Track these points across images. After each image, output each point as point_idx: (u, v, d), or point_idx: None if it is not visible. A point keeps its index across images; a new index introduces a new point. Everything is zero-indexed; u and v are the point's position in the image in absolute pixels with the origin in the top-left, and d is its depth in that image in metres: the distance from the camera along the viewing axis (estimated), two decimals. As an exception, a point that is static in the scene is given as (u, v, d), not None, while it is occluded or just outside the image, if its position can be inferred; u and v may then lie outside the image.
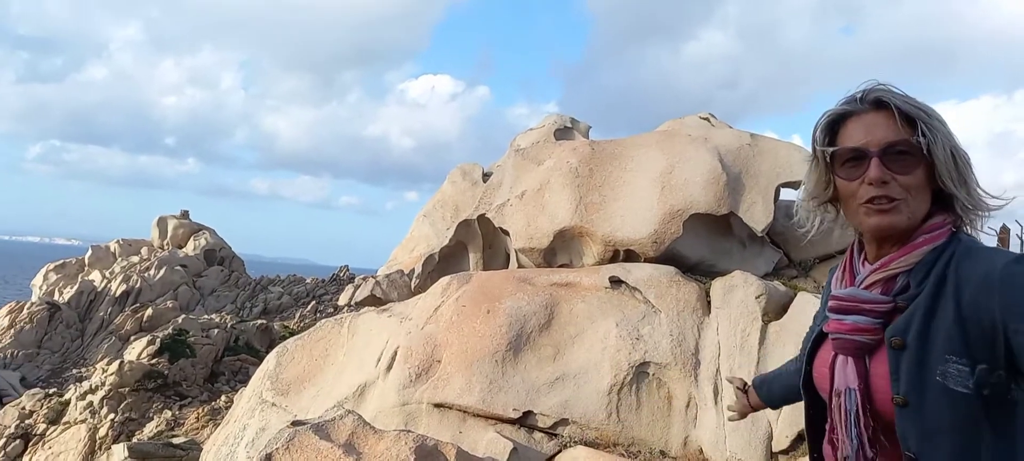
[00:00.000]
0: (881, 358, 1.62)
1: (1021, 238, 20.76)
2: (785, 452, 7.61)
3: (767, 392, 2.40)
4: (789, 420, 7.63)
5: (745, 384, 2.55)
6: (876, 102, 1.64)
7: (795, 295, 8.56)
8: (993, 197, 1.65)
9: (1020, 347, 1.43)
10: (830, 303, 1.74)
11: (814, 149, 1.73)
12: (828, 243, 10.61)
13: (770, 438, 7.63)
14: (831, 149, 1.67)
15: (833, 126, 1.69)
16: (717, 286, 8.58)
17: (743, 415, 2.60)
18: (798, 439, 7.63)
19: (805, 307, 8.23)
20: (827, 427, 1.74)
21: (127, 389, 25.82)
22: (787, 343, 8.02)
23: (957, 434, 1.50)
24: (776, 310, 8.36)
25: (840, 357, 1.69)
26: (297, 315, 43.37)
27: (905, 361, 1.56)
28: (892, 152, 1.59)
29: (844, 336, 1.67)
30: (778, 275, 9.79)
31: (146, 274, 45.17)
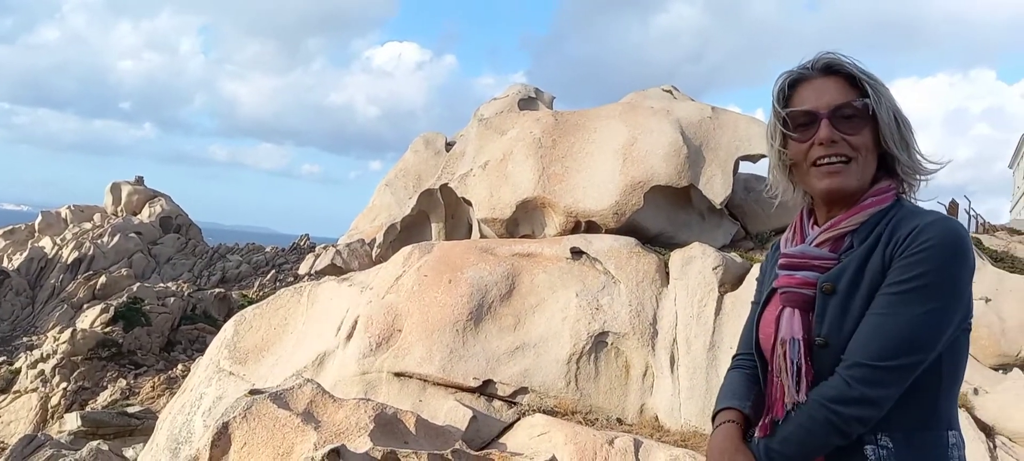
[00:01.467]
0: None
1: (969, 212, 21.45)
2: (738, 419, 7.81)
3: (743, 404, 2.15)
4: (743, 388, 7.83)
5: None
6: (826, 68, 1.72)
7: (751, 267, 8.72)
8: (931, 162, 1.73)
9: (892, 271, 1.57)
10: (780, 261, 1.81)
11: (770, 118, 1.81)
12: (784, 216, 10.82)
13: (724, 406, 7.82)
14: (784, 111, 1.74)
15: (787, 92, 1.76)
16: (676, 258, 8.71)
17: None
18: (751, 407, 7.84)
19: (761, 279, 8.40)
20: (769, 378, 1.79)
21: (80, 358, 25.31)
22: (742, 314, 8.19)
23: None
24: (732, 281, 8.52)
25: (787, 310, 1.74)
26: (256, 284, 42.84)
27: (831, 305, 1.65)
28: (840, 114, 1.67)
29: (793, 289, 1.73)
30: (735, 247, 9.96)
31: (99, 241, 44.07)
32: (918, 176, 1.74)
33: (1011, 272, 9.54)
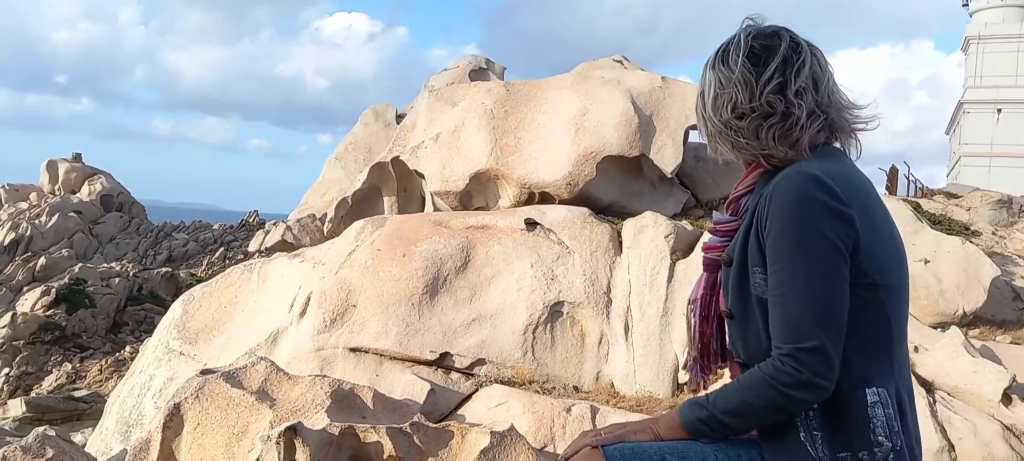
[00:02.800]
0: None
1: (908, 177, 22.17)
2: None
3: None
4: (695, 353, 8.01)
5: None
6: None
7: (701, 234, 8.88)
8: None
9: (767, 251, 1.58)
10: (710, 226, 1.91)
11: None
12: (733, 184, 11.02)
13: (676, 370, 7.99)
14: None
15: None
16: (628, 227, 8.81)
17: None
18: (703, 371, 8.03)
19: (711, 246, 8.57)
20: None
21: (22, 342, 24.49)
22: (694, 280, 8.34)
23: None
24: (684, 248, 8.67)
25: (703, 274, 1.84)
26: (205, 262, 41.94)
27: (731, 277, 1.69)
28: None
29: (705, 254, 1.84)
30: (686, 215, 10.13)
31: (37, 221, 42.48)
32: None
33: (948, 234, 9.91)
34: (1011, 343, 8.58)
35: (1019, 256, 11.02)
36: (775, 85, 1.62)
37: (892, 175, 21.54)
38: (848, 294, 1.54)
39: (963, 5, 43.61)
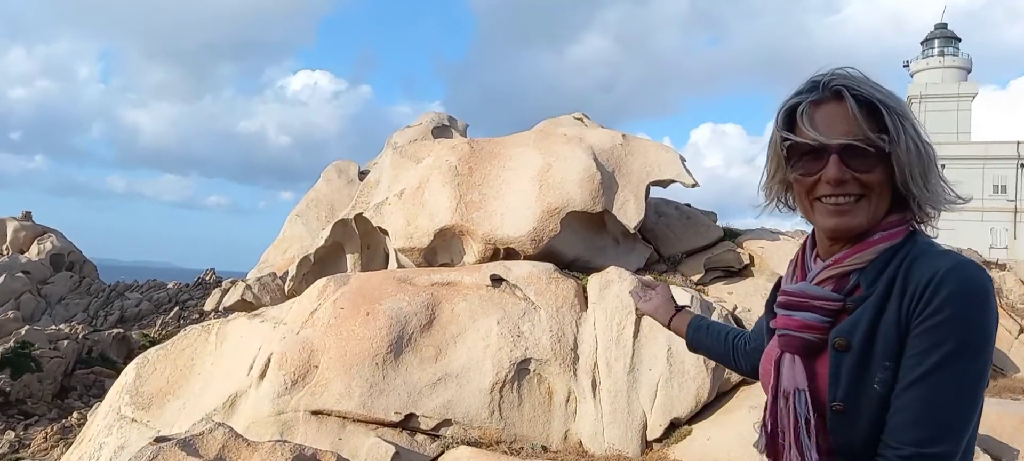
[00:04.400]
0: (825, 360, 1.53)
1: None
2: (659, 440, 7.94)
3: (694, 335, 2.29)
4: (663, 409, 7.96)
5: (678, 307, 2.39)
6: (837, 92, 1.50)
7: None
8: (954, 196, 1.56)
9: (913, 341, 1.41)
10: (779, 298, 1.65)
11: (774, 134, 1.63)
12: (694, 238, 11.17)
13: (645, 427, 7.93)
14: (788, 141, 1.55)
15: (792, 114, 1.55)
16: (593, 282, 8.82)
17: (643, 314, 2.51)
18: (671, 428, 7.98)
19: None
20: (767, 425, 1.65)
21: (-40, 410, 23.31)
22: (660, 335, 8.36)
23: None
24: (649, 304, 8.69)
25: (787, 356, 1.59)
26: (159, 323, 40.74)
27: (846, 365, 1.49)
28: (852, 150, 1.47)
29: (792, 333, 1.58)
30: (649, 270, 10.20)
31: (-18, 282, 40.95)
32: (938, 209, 1.54)
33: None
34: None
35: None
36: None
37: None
38: None
39: (904, 66, 45.67)
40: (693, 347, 2.31)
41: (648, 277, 9.17)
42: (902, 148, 1.46)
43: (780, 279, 1.75)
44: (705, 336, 2.27)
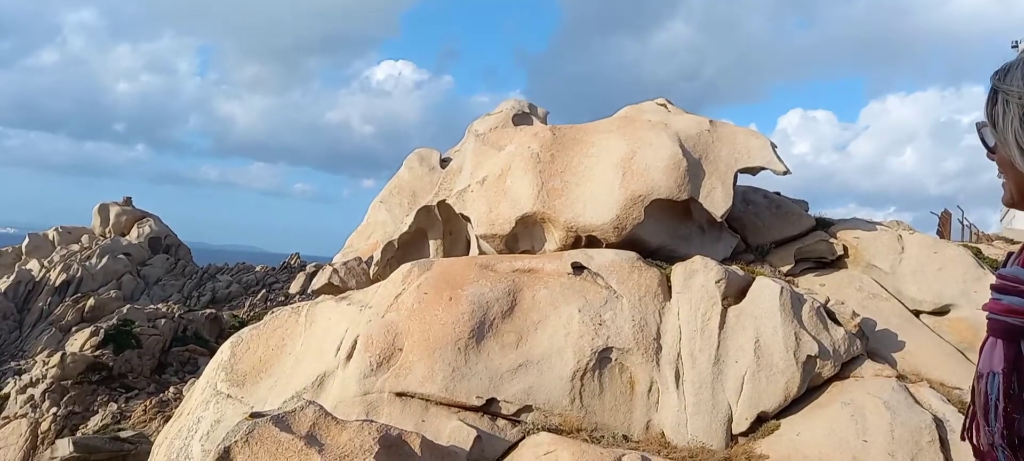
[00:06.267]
0: None
1: (962, 222, 21.54)
2: (744, 434, 7.72)
3: None
4: (749, 402, 7.74)
5: None
6: None
7: (753, 279, 8.67)
8: None
9: None
10: (993, 282, 1.60)
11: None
12: (784, 227, 10.79)
13: (730, 420, 7.73)
14: None
15: None
16: (677, 271, 8.64)
17: None
18: (758, 422, 7.75)
19: (763, 291, 8.35)
20: (968, 413, 1.61)
21: (70, 382, 24.96)
22: (747, 327, 8.12)
23: None
24: (735, 294, 8.46)
25: (991, 339, 1.55)
26: (247, 304, 42.50)
27: None
28: None
29: (996, 316, 1.53)
30: (736, 259, 9.91)
31: (87, 263, 43.63)
32: None
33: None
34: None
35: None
36: None
37: (945, 219, 20.94)
38: None
39: (1013, 47, 42.83)
40: None
41: (736, 267, 8.92)
42: None
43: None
44: None
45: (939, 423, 7.59)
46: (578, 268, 8.59)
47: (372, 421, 6.34)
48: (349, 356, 7.95)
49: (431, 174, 13.79)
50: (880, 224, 11.29)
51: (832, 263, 10.45)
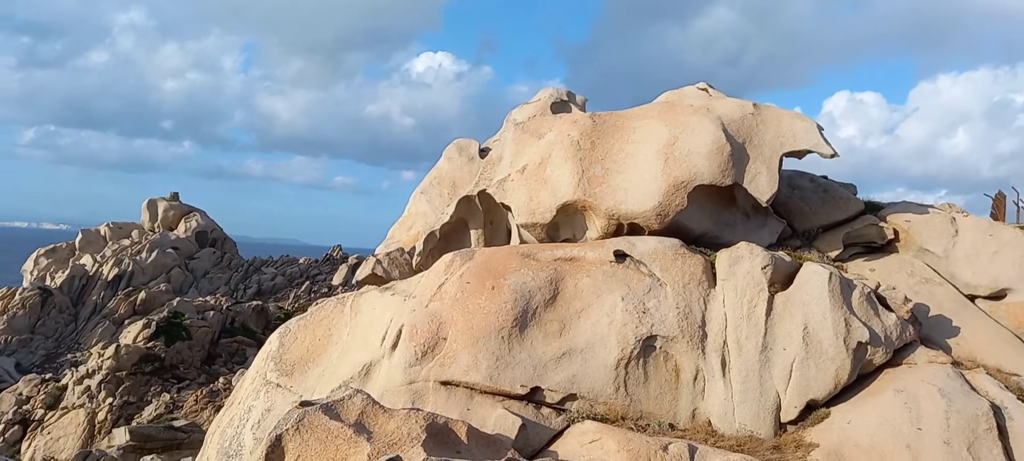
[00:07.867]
0: None
1: (1018, 204, 20.82)
2: (793, 422, 7.61)
3: None
4: (798, 390, 7.62)
5: None
6: None
7: (800, 265, 8.51)
8: None
9: None
10: None
11: None
12: (832, 212, 10.56)
13: (778, 409, 7.62)
14: None
15: None
16: (722, 258, 8.53)
17: None
18: (807, 410, 7.62)
19: (811, 277, 8.19)
20: None
21: (124, 373, 25.74)
22: (794, 313, 7.99)
23: None
24: (782, 280, 8.32)
25: None
26: (292, 296, 43.24)
27: None
28: None
29: None
30: (782, 245, 9.74)
31: (138, 257, 44.87)
32: None
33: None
34: None
35: None
36: None
37: (999, 201, 20.25)
38: None
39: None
40: None
41: (782, 253, 8.77)
42: None
43: None
44: None
45: (997, 410, 7.38)
46: (620, 256, 8.54)
47: (419, 410, 6.39)
48: (394, 345, 8.03)
49: (470, 164, 13.82)
50: (932, 207, 10.98)
51: (882, 248, 10.20)
